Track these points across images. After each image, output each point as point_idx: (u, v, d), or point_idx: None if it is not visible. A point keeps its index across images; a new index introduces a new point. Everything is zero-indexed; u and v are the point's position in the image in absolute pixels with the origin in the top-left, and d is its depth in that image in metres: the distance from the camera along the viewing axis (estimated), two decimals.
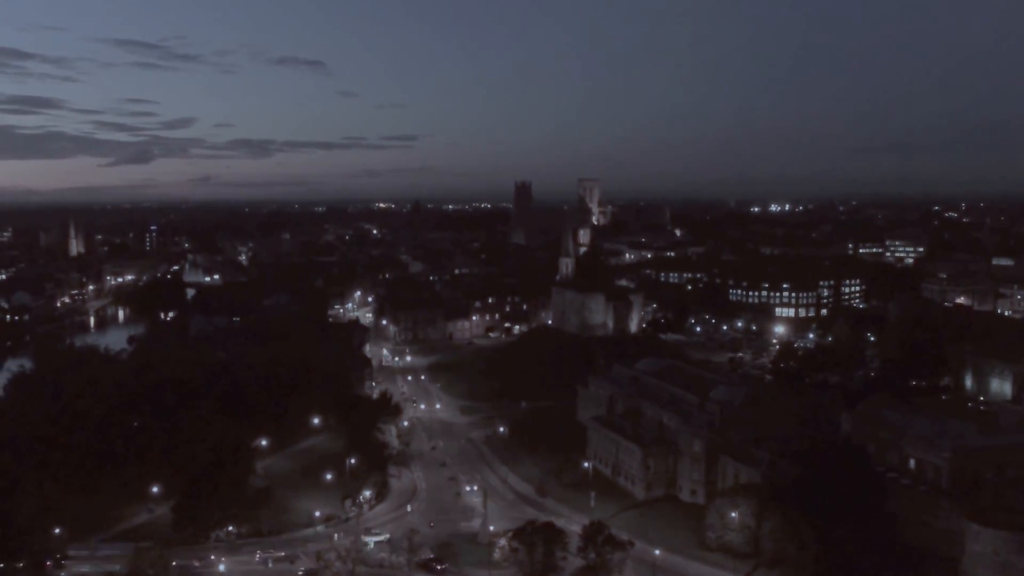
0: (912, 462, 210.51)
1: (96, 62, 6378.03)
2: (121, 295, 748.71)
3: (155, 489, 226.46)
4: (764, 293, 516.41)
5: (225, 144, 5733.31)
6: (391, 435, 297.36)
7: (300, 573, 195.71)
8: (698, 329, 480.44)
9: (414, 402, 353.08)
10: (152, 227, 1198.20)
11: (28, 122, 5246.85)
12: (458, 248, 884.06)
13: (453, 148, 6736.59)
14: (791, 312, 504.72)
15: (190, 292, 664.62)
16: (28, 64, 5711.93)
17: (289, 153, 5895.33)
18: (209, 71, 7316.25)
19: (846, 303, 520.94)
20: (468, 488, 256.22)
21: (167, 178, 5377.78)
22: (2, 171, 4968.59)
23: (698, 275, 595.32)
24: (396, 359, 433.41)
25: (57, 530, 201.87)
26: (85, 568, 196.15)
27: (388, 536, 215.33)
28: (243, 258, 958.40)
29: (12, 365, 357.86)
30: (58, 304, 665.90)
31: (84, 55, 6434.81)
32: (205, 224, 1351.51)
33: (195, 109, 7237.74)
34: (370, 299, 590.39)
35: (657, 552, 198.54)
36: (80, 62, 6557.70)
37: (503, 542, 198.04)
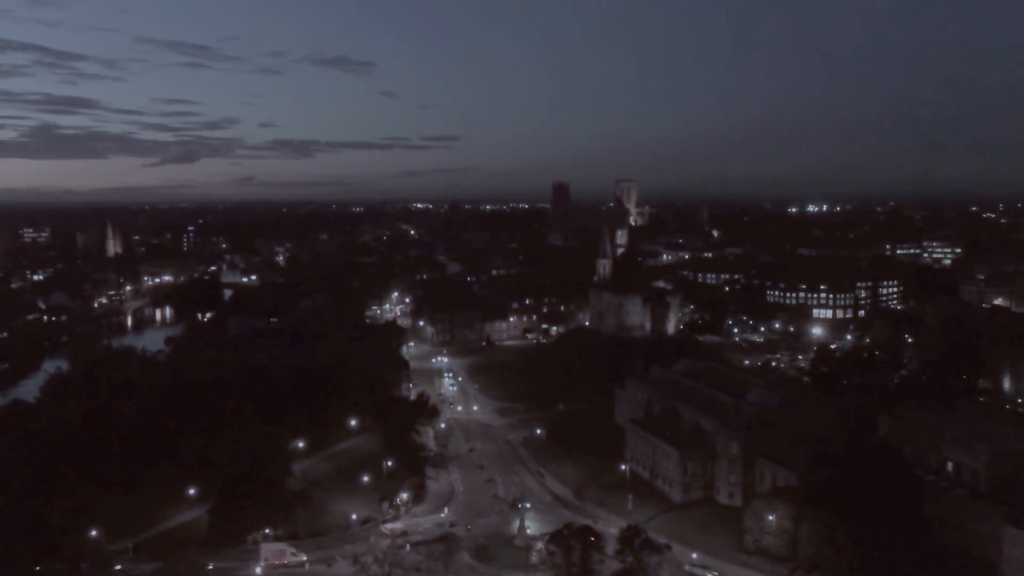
0: (950, 465, 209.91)
1: (147, 63, 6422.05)
2: (158, 296, 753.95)
3: (192, 491, 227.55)
4: (801, 294, 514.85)
5: (267, 144, 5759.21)
6: (428, 437, 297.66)
7: None
8: (735, 330, 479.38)
9: (451, 404, 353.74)
10: (189, 228, 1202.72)
11: (70, 122, 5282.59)
12: (496, 249, 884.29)
13: (495, 148, 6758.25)
14: (828, 313, 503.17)
15: (227, 293, 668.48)
16: (80, 65, 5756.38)
17: (331, 153, 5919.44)
18: (256, 72, 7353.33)
19: (884, 304, 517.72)
20: (505, 490, 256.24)
21: (208, 178, 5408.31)
22: (43, 171, 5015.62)
23: (735, 276, 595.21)
24: (434, 360, 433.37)
25: (93, 532, 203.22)
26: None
27: None
28: (280, 258, 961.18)
29: (49, 366, 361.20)
30: (95, 305, 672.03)
31: (136, 56, 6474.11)
32: (243, 224, 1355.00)
33: (239, 110, 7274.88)
34: (407, 300, 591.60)
35: (694, 555, 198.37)
36: (131, 63, 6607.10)
37: (540, 545, 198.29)
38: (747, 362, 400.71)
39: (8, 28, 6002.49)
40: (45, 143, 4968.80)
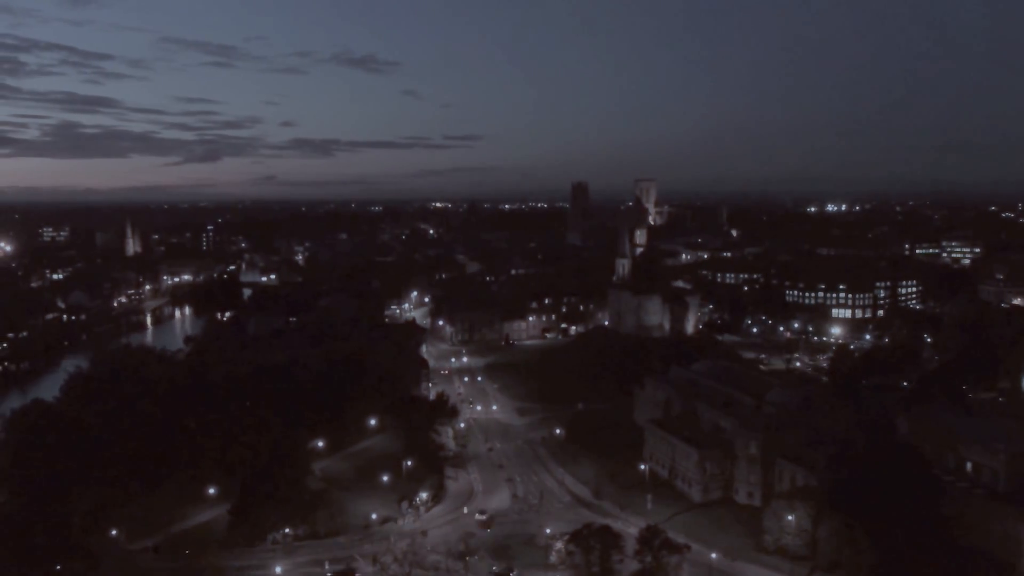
0: (969, 465, 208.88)
1: (171, 63, 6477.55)
2: (178, 295, 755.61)
3: (211, 490, 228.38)
4: (820, 294, 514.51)
5: (288, 143, 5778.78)
6: (448, 436, 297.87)
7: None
8: (754, 330, 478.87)
9: (471, 403, 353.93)
10: (209, 227, 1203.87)
11: (92, 121, 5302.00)
12: (515, 248, 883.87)
13: (515, 148, 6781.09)
14: (847, 313, 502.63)
15: (247, 292, 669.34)
16: (105, 64, 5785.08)
17: (352, 153, 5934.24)
18: (280, 71, 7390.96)
19: (903, 304, 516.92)
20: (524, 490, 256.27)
21: (229, 177, 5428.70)
22: (64, 170, 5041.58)
23: (754, 276, 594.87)
24: (453, 360, 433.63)
25: (113, 531, 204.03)
26: None
27: None
28: (300, 258, 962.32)
29: (69, 365, 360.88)
30: (115, 304, 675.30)
31: (161, 56, 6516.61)
32: (262, 223, 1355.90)
33: (261, 109, 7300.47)
34: (427, 299, 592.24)
35: (714, 555, 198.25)
36: (156, 63, 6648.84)
37: (559, 545, 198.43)
38: (766, 362, 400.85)
39: (35, 28, 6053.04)
40: (67, 142, 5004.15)
